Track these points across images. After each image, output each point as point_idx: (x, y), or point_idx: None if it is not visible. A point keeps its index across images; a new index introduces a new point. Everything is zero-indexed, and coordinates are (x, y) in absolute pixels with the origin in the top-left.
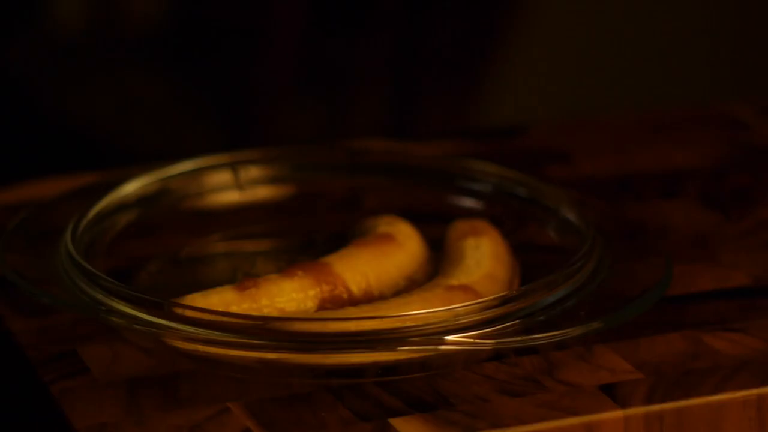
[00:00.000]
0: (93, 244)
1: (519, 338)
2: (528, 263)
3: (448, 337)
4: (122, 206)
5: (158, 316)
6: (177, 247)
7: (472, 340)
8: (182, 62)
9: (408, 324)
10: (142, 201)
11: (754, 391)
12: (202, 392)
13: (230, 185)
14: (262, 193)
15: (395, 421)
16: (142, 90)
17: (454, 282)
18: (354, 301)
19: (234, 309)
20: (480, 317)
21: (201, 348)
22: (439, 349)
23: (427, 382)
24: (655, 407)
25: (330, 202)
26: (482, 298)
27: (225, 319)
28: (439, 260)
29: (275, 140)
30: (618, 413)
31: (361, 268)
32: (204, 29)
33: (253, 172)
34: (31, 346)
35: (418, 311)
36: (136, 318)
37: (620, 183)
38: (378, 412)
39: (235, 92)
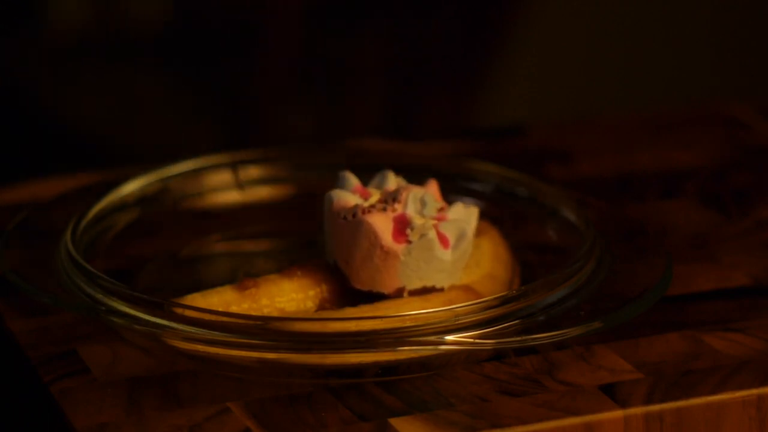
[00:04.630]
0: (93, 244)
1: (519, 338)
2: (528, 263)
3: (448, 337)
4: (122, 206)
5: (158, 316)
6: (177, 247)
7: (472, 340)
8: (182, 62)
9: (408, 324)
10: (142, 201)
11: (754, 391)
12: (202, 392)
13: (230, 185)
14: (262, 193)
15: (395, 421)
16: (142, 90)
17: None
18: (354, 301)
19: (234, 309)
20: (480, 317)
21: (201, 348)
22: (439, 349)
23: (427, 382)
24: (655, 407)
25: None
26: (482, 298)
27: (225, 319)
28: None
29: (275, 140)
30: (618, 413)
31: None
32: (204, 29)
33: (253, 172)
34: (31, 346)
35: (418, 311)
36: (136, 318)
37: (620, 183)
38: (378, 412)
39: (235, 92)
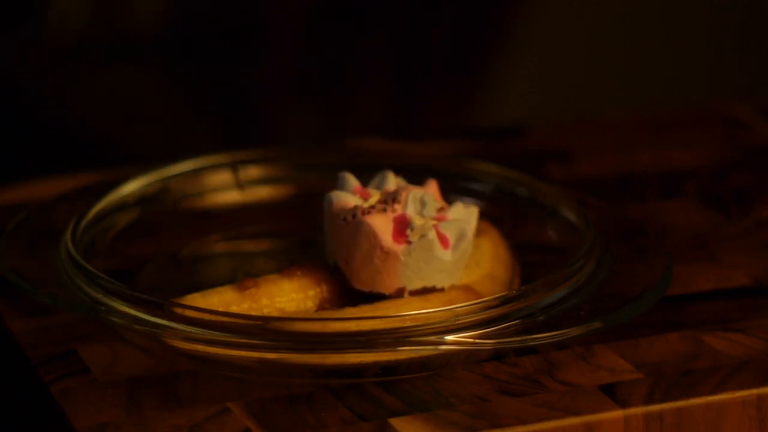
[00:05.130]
0: (93, 244)
1: (519, 338)
2: (528, 263)
3: (448, 337)
4: (122, 206)
5: (158, 316)
6: (177, 247)
7: (472, 340)
8: (182, 62)
9: (408, 324)
10: (142, 201)
11: (754, 391)
12: (202, 392)
13: (230, 185)
14: (262, 193)
15: (395, 421)
16: (143, 90)
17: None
18: (354, 301)
19: (234, 309)
20: (480, 317)
21: (201, 348)
22: (439, 349)
23: (427, 382)
24: (655, 407)
25: None
26: (482, 298)
27: (225, 319)
28: None
29: (275, 140)
30: (618, 413)
31: None
32: (204, 29)
33: (253, 172)
34: (31, 346)
35: (418, 311)
36: (136, 318)
37: (620, 183)
38: (378, 412)
39: (235, 92)
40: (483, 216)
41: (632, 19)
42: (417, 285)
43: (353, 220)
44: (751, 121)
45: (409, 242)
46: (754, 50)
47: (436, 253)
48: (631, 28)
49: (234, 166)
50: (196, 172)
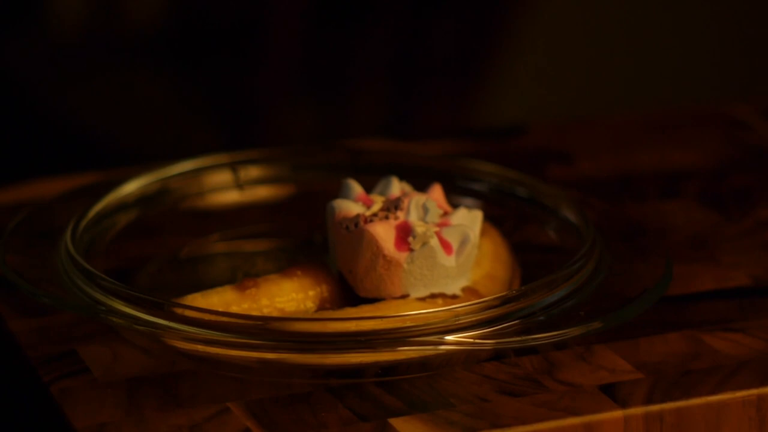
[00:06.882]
0: (93, 244)
1: (519, 338)
2: (528, 263)
3: (448, 337)
4: (122, 206)
5: (158, 316)
6: (177, 247)
7: (472, 340)
8: (183, 62)
9: (408, 324)
10: (142, 201)
11: (754, 391)
12: (202, 392)
13: (230, 185)
14: (262, 193)
15: (395, 421)
16: (143, 90)
17: None
18: (354, 301)
19: (234, 309)
20: (480, 317)
21: (201, 348)
22: (439, 349)
23: (427, 382)
24: (655, 407)
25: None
26: (482, 298)
27: (225, 319)
28: None
29: (275, 140)
30: (618, 413)
31: None
32: (204, 29)
33: (253, 172)
34: (31, 346)
35: (418, 311)
36: (136, 318)
37: (620, 183)
38: (378, 412)
39: (235, 92)
40: (483, 217)
41: (633, 19)
42: (423, 292)
43: (355, 229)
44: (751, 121)
45: (412, 250)
46: (754, 50)
47: (439, 260)
48: (631, 29)
49: (234, 166)
50: (196, 172)
